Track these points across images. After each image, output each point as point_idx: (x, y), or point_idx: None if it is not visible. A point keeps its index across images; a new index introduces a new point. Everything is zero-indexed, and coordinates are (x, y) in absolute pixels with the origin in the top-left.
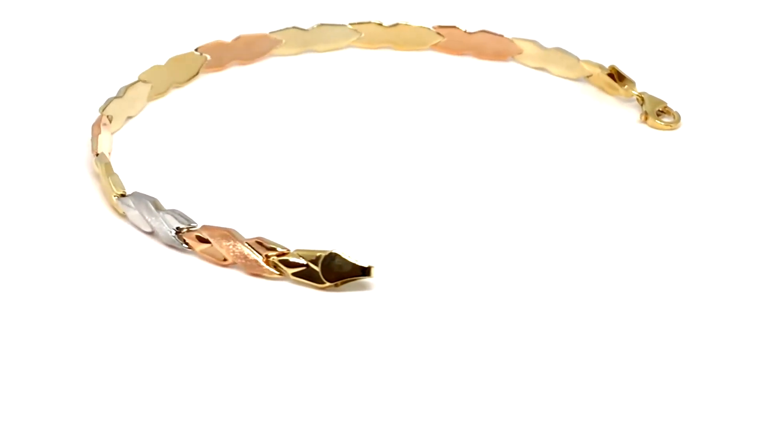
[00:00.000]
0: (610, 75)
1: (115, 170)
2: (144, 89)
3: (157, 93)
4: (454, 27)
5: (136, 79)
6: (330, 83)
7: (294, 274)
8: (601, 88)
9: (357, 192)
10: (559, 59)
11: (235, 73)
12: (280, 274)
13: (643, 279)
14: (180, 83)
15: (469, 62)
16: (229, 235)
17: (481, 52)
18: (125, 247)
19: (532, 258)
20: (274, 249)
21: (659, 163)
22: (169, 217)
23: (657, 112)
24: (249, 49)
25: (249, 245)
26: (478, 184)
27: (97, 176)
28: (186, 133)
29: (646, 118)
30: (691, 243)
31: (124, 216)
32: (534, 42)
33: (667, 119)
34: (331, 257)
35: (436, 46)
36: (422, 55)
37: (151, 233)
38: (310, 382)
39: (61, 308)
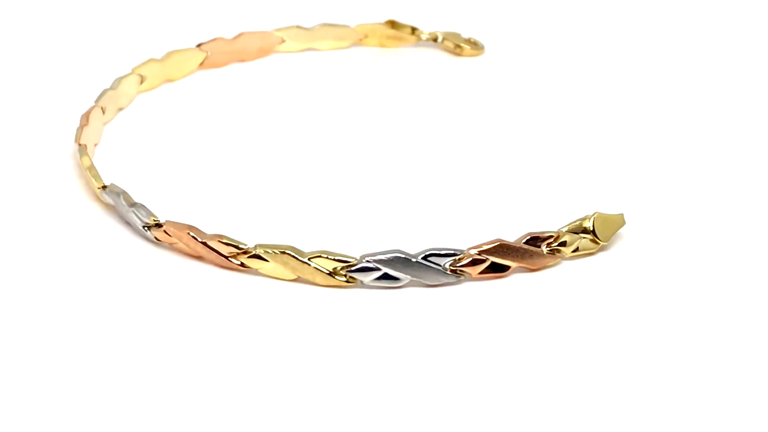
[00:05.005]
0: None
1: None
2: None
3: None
4: (216, 39)
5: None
6: (329, 83)
7: (573, 251)
8: (382, 45)
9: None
10: (325, 34)
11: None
12: (558, 258)
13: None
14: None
15: (235, 69)
16: (502, 244)
17: (245, 56)
18: (110, 238)
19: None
20: (546, 238)
21: (483, 88)
22: (431, 259)
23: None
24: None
25: (524, 244)
26: (374, 168)
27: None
28: (174, 127)
29: (462, 50)
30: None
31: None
32: (294, 27)
33: (471, 47)
34: (597, 219)
35: (202, 65)
36: (186, 80)
37: (402, 285)
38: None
39: (53, 301)
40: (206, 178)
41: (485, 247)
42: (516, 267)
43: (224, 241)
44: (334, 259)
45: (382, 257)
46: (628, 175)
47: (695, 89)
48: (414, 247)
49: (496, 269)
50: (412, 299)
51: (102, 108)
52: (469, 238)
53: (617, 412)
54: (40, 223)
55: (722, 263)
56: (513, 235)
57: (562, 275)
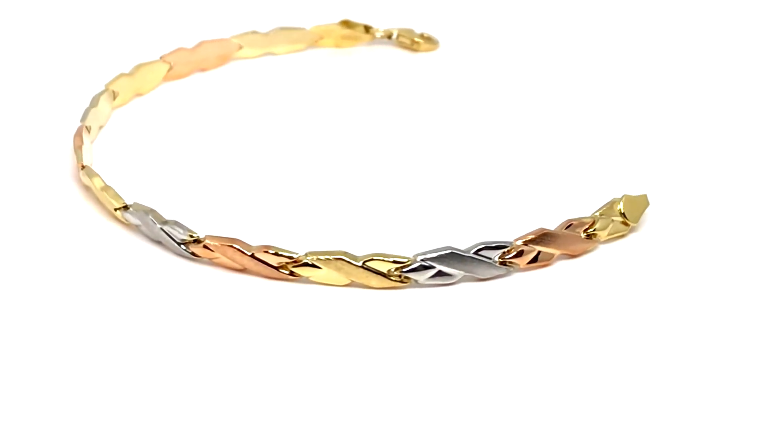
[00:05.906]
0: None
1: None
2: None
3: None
4: (178, 49)
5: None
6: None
7: (607, 234)
8: (337, 45)
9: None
10: (282, 37)
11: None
12: (595, 243)
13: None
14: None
15: (199, 79)
16: (546, 233)
17: (206, 64)
18: (142, 260)
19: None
20: (583, 224)
21: (446, 82)
22: (482, 253)
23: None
24: None
25: (564, 229)
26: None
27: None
28: (159, 141)
29: (419, 45)
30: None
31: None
32: (250, 32)
33: (426, 42)
34: (626, 201)
35: (166, 77)
36: (155, 93)
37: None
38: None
39: (89, 324)
40: (204, 188)
41: (530, 237)
42: (559, 255)
43: (273, 251)
44: (388, 261)
45: (435, 255)
46: (614, 159)
47: (669, 72)
48: (421, 243)
49: (541, 258)
50: (466, 295)
51: (87, 127)
52: (475, 234)
53: (677, 395)
54: (64, 254)
55: (739, 247)
56: (518, 228)
57: (602, 259)
